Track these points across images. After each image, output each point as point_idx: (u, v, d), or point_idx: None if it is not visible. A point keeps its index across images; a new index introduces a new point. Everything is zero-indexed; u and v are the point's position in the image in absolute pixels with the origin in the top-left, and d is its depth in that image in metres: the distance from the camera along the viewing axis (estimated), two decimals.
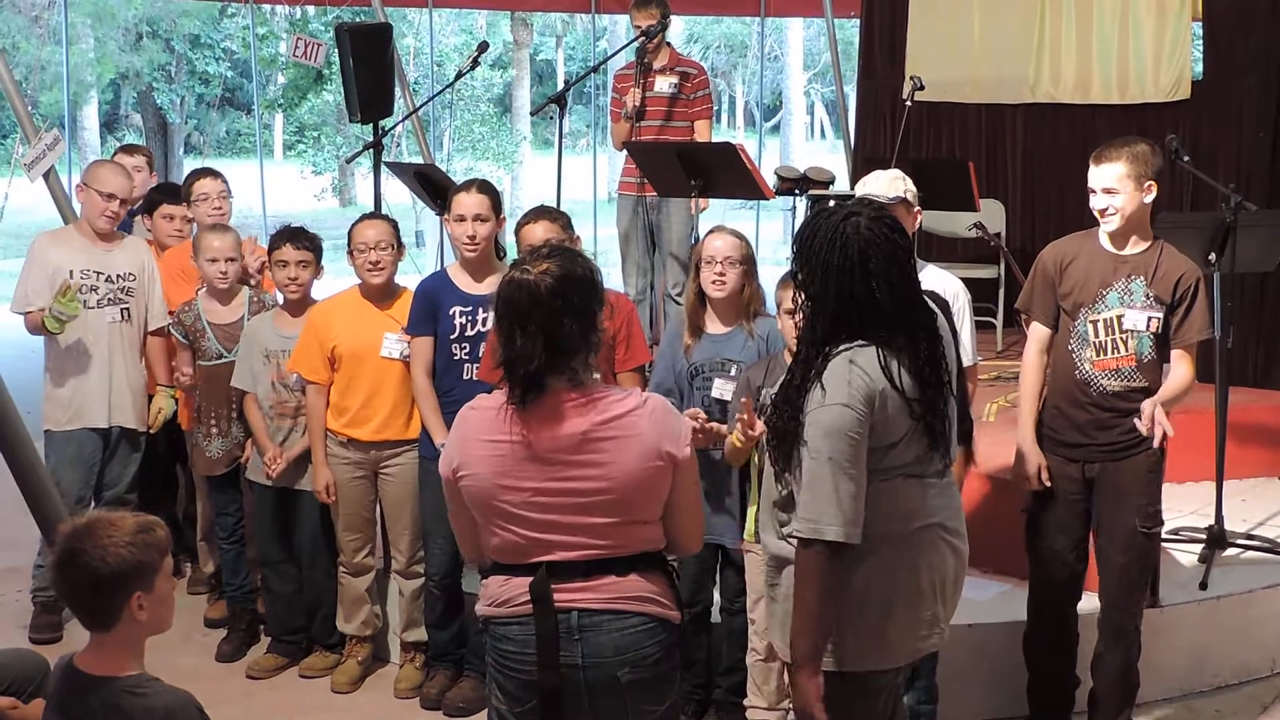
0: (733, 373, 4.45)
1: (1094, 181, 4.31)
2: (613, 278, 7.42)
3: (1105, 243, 4.37)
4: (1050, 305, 4.46)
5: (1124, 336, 4.30)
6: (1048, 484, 4.42)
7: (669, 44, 7.56)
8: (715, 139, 7.63)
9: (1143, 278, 4.29)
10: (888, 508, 3.10)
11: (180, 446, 5.84)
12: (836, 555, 3.03)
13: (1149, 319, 4.27)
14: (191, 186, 5.94)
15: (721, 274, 4.46)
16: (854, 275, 3.05)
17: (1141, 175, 4.23)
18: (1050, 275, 4.45)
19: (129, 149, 6.74)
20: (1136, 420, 4.13)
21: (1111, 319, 4.31)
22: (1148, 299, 4.28)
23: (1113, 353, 4.32)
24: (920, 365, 3.09)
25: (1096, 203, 4.32)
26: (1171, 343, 4.31)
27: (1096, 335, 4.33)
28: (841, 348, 3.08)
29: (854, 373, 3.04)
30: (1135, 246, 4.34)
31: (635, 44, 7.32)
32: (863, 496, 3.04)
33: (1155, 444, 4.14)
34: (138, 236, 5.94)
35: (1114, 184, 4.25)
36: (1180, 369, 4.30)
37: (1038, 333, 4.51)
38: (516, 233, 4.72)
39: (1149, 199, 4.27)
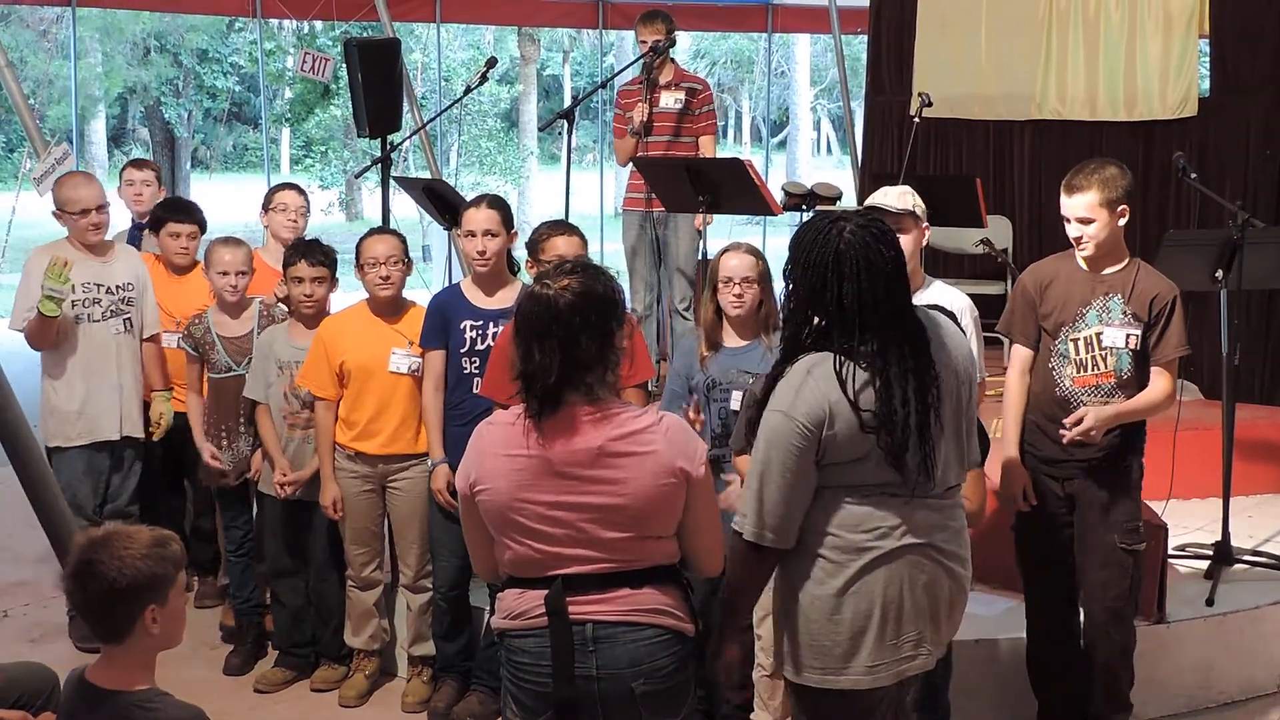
0: (750, 384, 4.46)
1: (1067, 211, 4.32)
2: None
3: (1083, 263, 4.39)
4: (1031, 327, 4.49)
5: (1104, 353, 4.33)
6: (1034, 502, 4.45)
7: (673, 60, 7.59)
8: (721, 154, 7.65)
9: (1120, 296, 4.32)
10: (860, 524, 3.09)
11: (189, 459, 5.83)
12: (755, 553, 3.10)
13: (1127, 335, 4.30)
14: (273, 196, 6.02)
15: (740, 295, 4.48)
16: (825, 278, 3.03)
17: (1114, 200, 4.24)
18: (1030, 297, 4.48)
19: (138, 163, 6.74)
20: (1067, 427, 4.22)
21: (1091, 336, 4.34)
22: (1125, 316, 4.30)
23: (1093, 369, 4.35)
24: (889, 380, 3.02)
25: (1071, 231, 4.34)
26: (1150, 360, 4.33)
27: (1077, 353, 4.36)
28: (807, 355, 3.08)
29: (806, 383, 3.03)
30: (1112, 266, 4.36)
31: (643, 59, 7.35)
32: (796, 504, 3.06)
33: (1064, 439, 4.23)
34: (131, 246, 5.93)
35: (1087, 213, 4.26)
36: (1158, 384, 4.32)
37: (1019, 354, 4.54)
38: (536, 244, 4.73)
39: (1122, 222, 4.28)
